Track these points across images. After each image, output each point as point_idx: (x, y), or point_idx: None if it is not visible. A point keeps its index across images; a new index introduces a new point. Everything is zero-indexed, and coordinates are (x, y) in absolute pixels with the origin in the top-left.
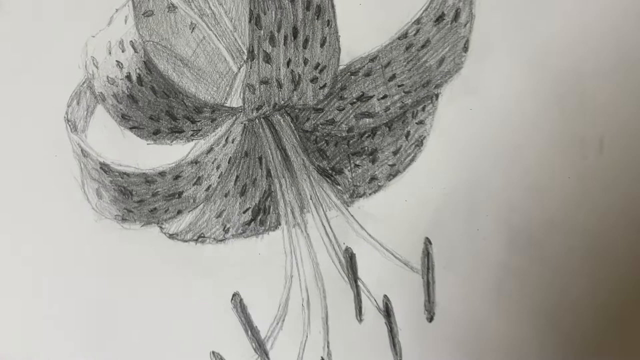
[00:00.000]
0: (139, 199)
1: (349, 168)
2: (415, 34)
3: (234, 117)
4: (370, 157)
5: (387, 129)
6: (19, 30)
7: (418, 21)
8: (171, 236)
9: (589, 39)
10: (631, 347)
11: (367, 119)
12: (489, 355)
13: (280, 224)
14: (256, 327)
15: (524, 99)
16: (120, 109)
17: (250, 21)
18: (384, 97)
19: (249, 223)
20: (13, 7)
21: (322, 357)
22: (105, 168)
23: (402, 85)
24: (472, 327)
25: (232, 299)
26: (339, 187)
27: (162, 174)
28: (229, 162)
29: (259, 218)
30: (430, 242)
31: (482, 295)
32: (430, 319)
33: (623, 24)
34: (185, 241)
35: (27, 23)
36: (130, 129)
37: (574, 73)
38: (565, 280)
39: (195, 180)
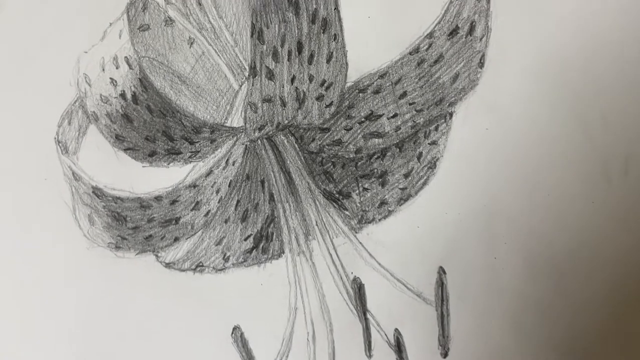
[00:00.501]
0: (133, 226)
1: (357, 192)
2: (427, 49)
3: (235, 138)
4: (380, 180)
5: (398, 150)
6: (6, 44)
7: (430, 35)
8: (168, 265)
9: (610, 52)
10: None
11: (377, 140)
12: None
13: (283, 252)
14: None
15: (544, 118)
16: (114, 129)
17: (252, 36)
18: (395, 116)
19: (250, 251)
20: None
21: None
22: (98, 192)
23: (414, 103)
24: None
25: (232, 333)
26: (347, 213)
27: (158, 198)
28: (229, 186)
29: (261, 246)
30: (444, 272)
31: (500, 329)
32: (445, 355)
33: None
34: (183, 270)
35: (15, 37)
36: (125, 150)
37: (596, 89)
38: (588, 315)
39: (193, 205)
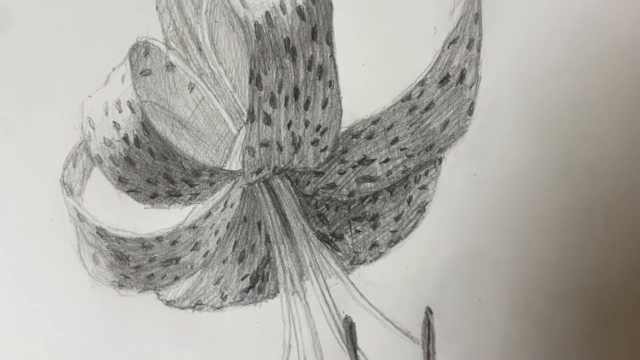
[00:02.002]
0: (136, 265)
1: (349, 234)
2: (419, 96)
3: (233, 181)
4: (372, 222)
5: (389, 193)
6: (13, 89)
7: (422, 82)
8: (168, 303)
9: (598, 105)
10: None
11: (369, 183)
12: None
13: (278, 292)
14: None
15: (530, 167)
16: (117, 172)
17: (250, 81)
18: (386, 160)
19: (247, 290)
20: (5, 63)
21: None
22: (101, 233)
23: (405, 148)
24: None
25: None
26: (339, 254)
27: (159, 239)
28: (227, 227)
29: (257, 285)
30: (431, 312)
31: None
32: None
33: (632, 91)
34: (183, 308)
35: (21, 82)
36: (128, 192)
37: (582, 141)
38: (572, 355)
39: (193, 245)
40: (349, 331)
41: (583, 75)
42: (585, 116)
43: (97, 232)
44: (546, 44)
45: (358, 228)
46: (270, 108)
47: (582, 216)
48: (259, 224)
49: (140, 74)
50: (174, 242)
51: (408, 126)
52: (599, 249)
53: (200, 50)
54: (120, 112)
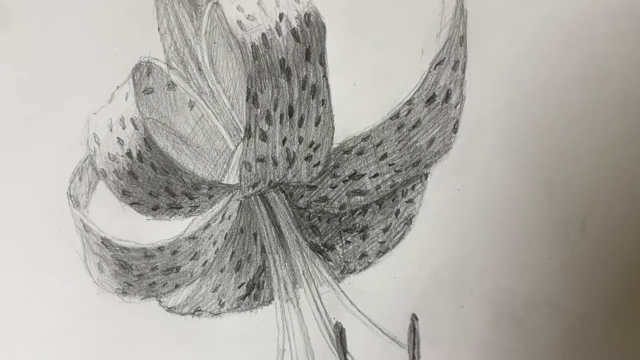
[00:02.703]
0: (138, 273)
1: (340, 244)
2: (406, 114)
3: (231, 194)
4: (361, 234)
5: (378, 206)
6: (23, 106)
7: (410, 102)
8: (169, 309)
9: (576, 125)
10: None
11: (359, 197)
12: None
13: (273, 299)
14: None
15: (510, 182)
16: (121, 185)
17: (247, 100)
18: (376, 175)
19: (243, 298)
20: (15, 82)
21: None
22: (106, 243)
23: (393, 164)
24: None
25: None
26: (331, 263)
27: (160, 248)
28: (225, 238)
29: (253, 293)
30: (416, 319)
31: None
32: None
33: (605, 111)
34: (183, 314)
35: (30, 100)
36: (131, 204)
37: (560, 158)
38: (545, 358)
39: (192, 255)
40: (339, 336)
41: (561, 96)
42: (562, 134)
43: (102, 242)
44: (527, 66)
45: (348, 239)
46: (266, 125)
47: (559, 228)
48: (255, 235)
49: (143, 92)
50: (174, 252)
51: (396, 143)
52: (575, 260)
53: (200, 69)
54: (124, 128)
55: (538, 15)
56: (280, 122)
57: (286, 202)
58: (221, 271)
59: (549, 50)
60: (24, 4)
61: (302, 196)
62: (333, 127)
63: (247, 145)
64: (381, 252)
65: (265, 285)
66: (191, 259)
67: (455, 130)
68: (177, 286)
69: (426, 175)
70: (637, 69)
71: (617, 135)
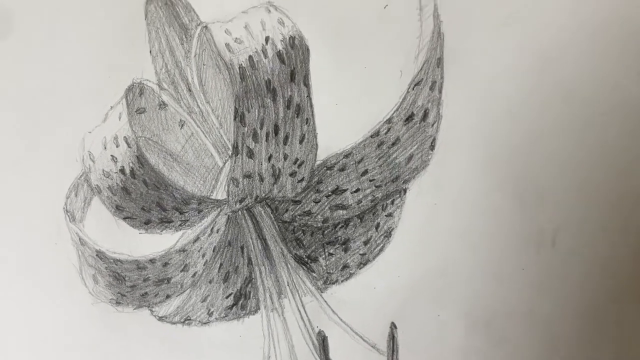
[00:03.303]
0: (131, 284)
1: (323, 256)
2: (386, 133)
3: (219, 209)
4: (343, 246)
5: (359, 220)
6: (21, 125)
7: (389, 120)
8: (160, 319)
9: (547, 142)
10: None
11: (341, 211)
12: None
13: (259, 309)
14: None
15: (485, 196)
16: (115, 201)
17: (235, 119)
18: (357, 190)
19: (231, 307)
20: (15, 103)
21: None
22: (100, 255)
23: (374, 180)
24: None
25: None
26: (314, 274)
27: (152, 261)
28: (213, 251)
29: (240, 303)
30: (395, 327)
31: None
32: None
33: (575, 130)
34: (173, 323)
35: (27, 119)
36: (124, 219)
37: (534, 173)
38: None
39: (182, 267)
40: (322, 344)
41: (532, 115)
42: (535, 150)
43: (96, 255)
44: (500, 86)
45: (331, 251)
46: (253, 143)
47: (531, 241)
48: (242, 247)
49: (135, 112)
50: (165, 264)
51: (377, 160)
52: (547, 270)
53: (189, 90)
54: (117, 146)
55: (512, 38)
56: (266, 140)
57: (272, 216)
58: (210, 282)
59: (521, 72)
60: (23, 29)
61: (287, 210)
62: (316, 145)
63: (235, 162)
64: (362, 264)
65: (251, 295)
66: (181, 271)
67: (432, 147)
68: (168, 296)
69: (405, 191)
70: (609, 87)
71: (587, 152)
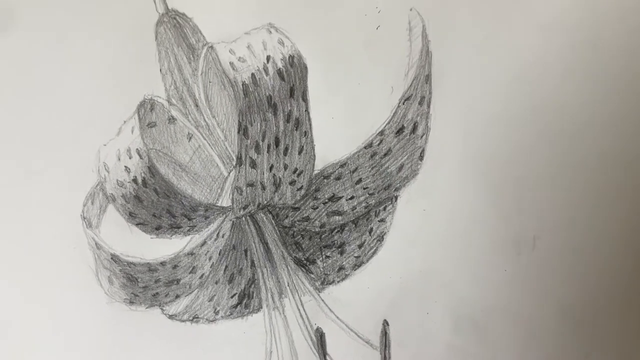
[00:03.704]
0: (143, 285)
1: (320, 259)
2: (378, 144)
3: (224, 215)
4: (339, 249)
5: (354, 225)
6: (42, 139)
7: (381, 133)
8: (170, 317)
9: (527, 154)
10: None
11: (337, 217)
12: None
13: (262, 307)
14: None
15: (470, 203)
16: (128, 208)
17: (239, 132)
18: (352, 198)
19: (235, 306)
20: (36, 119)
21: None
22: (115, 259)
23: (367, 188)
24: None
25: None
26: (312, 276)
27: (162, 263)
28: (219, 254)
29: (244, 302)
30: (387, 324)
31: None
32: None
33: (552, 144)
34: (182, 321)
35: (48, 134)
36: (137, 225)
37: (514, 183)
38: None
39: (191, 269)
40: (320, 340)
41: (514, 128)
42: (515, 162)
43: (111, 258)
44: (485, 101)
45: (328, 254)
46: (255, 154)
47: (512, 244)
48: (246, 251)
49: (147, 125)
50: (175, 267)
51: (370, 169)
52: (527, 272)
53: (197, 105)
54: (130, 158)
55: (495, 56)
56: (268, 152)
57: (273, 221)
58: (216, 283)
59: (503, 86)
60: (46, 53)
61: (287, 216)
62: (314, 155)
63: (239, 172)
64: (356, 266)
65: (254, 295)
66: (190, 273)
67: (421, 157)
68: (177, 296)
69: (396, 198)
70: (584, 102)
71: (564, 164)
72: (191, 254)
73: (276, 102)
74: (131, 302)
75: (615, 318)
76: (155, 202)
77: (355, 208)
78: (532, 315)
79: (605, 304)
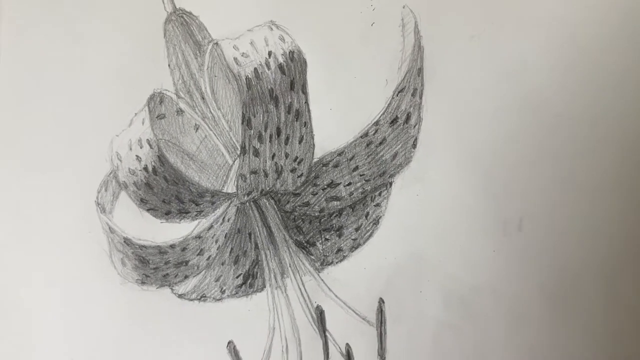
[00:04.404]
0: (154, 267)
1: (320, 241)
2: (374, 133)
3: (230, 201)
4: (337, 232)
5: (351, 209)
6: (59, 131)
7: (377, 123)
8: (180, 296)
9: (511, 141)
10: None
11: (335, 202)
12: None
13: (265, 287)
14: None
15: (460, 188)
16: (140, 194)
17: (242, 123)
18: (349, 184)
19: (240, 286)
20: (53, 113)
21: None
22: (127, 242)
23: (363, 174)
24: None
25: (227, 346)
26: (312, 257)
27: (172, 246)
28: (225, 237)
29: (248, 282)
30: (383, 302)
31: (423, 344)
32: None
33: (534, 132)
34: (191, 300)
35: (64, 126)
36: (147, 210)
37: (501, 168)
38: (488, 335)
39: (198, 251)
40: (320, 317)
41: (499, 117)
42: (502, 148)
43: (124, 241)
44: (474, 93)
45: (327, 237)
46: (258, 143)
47: (499, 226)
48: (250, 234)
49: (156, 117)
50: (183, 249)
51: (366, 157)
52: (514, 252)
53: (203, 98)
54: (141, 147)
55: (482, 51)
56: (270, 141)
57: (275, 207)
58: (222, 264)
59: (492, 80)
60: (65, 53)
61: (288, 202)
62: (314, 144)
63: (243, 160)
64: (354, 247)
65: (258, 275)
66: (197, 255)
67: (414, 146)
68: (186, 277)
69: (390, 184)
70: (564, 94)
71: (546, 152)
72: (199, 237)
73: (277, 94)
74: (143, 283)
75: (598, 296)
76: (165, 188)
77: (353, 194)
78: (517, 293)
79: (587, 282)
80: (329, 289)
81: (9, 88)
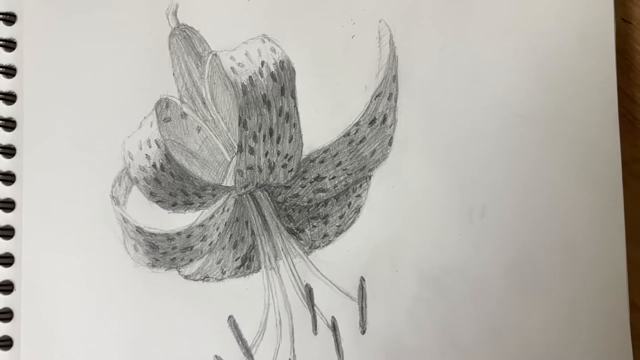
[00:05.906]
0: (163, 252)
1: (308, 228)
2: (355, 133)
3: (229, 193)
4: (324, 220)
5: (335, 200)
6: (76, 134)
7: (357, 124)
8: (186, 277)
9: (478, 139)
10: None
11: (321, 193)
12: None
13: (260, 268)
14: (245, 339)
15: (430, 181)
16: (149, 188)
17: (239, 124)
18: (333, 177)
19: (239, 267)
20: (71, 117)
21: (289, 358)
22: (139, 230)
23: (346, 169)
24: (392, 340)
25: (228, 320)
26: (302, 242)
27: (178, 233)
28: (225, 225)
29: (246, 264)
30: (364, 280)
31: (399, 318)
32: (363, 332)
33: (501, 130)
34: (195, 280)
35: (81, 129)
36: (156, 202)
37: (465, 161)
38: (457, 309)
39: (202, 238)
40: (309, 294)
41: (468, 118)
42: (468, 145)
43: (136, 230)
44: (444, 96)
45: (314, 224)
46: (253, 143)
47: (465, 213)
48: (247, 222)
49: (163, 120)
50: (189, 236)
51: (348, 154)
52: (478, 236)
53: (204, 103)
54: (150, 147)
55: (452, 60)
56: (263, 140)
57: (269, 198)
58: (223, 249)
59: (462, 83)
60: (82, 65)
61: (280, 194)
62: (302, 143)
63: (239, 158)
64: (338, 233)
65: (254, 258)
66: (201, 241)
67: (390, 144)
68: (191, 260)
69: (370, 177)
70: (526, 96)
71: (508, 148)
72: (202, 225)
73: (270, 99)
74: (153, 266)
75: (554, 273)
76: (172, 183)
77: (337, 186)
78: (482, 272)
79: (543, 261)
80: (317, 269)
81: (36, 98)
